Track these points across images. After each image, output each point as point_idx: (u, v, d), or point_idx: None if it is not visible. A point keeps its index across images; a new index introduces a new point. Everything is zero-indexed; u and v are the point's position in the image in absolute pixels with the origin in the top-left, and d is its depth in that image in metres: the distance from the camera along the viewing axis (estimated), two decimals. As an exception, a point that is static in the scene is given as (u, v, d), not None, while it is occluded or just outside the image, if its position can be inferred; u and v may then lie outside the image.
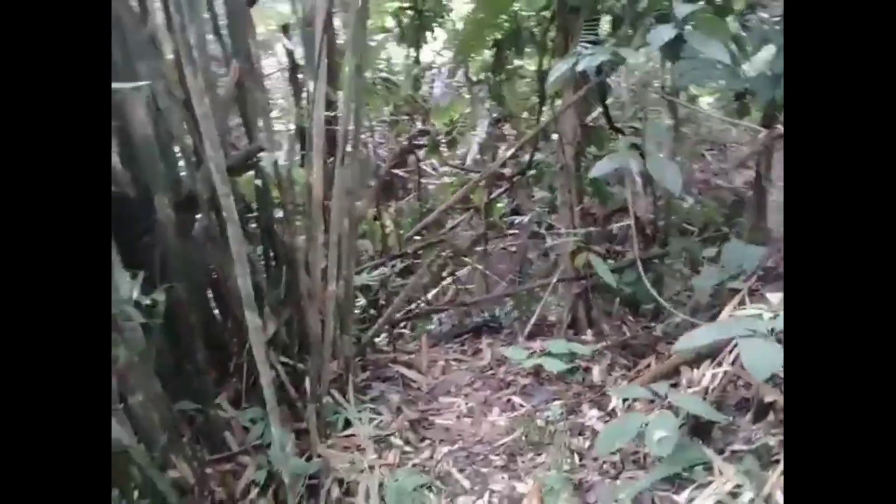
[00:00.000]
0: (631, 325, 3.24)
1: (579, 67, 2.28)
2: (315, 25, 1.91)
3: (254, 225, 2.18)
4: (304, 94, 1.99)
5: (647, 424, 1.59)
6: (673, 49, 2.26)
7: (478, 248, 4.00)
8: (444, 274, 4.09)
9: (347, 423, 2.26)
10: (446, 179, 3.93)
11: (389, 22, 3.89)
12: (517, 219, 4.30)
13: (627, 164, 2.25)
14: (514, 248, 4.33)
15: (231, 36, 1.95)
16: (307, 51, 1.93)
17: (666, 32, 2.11)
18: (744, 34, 2.65)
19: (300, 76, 2.38)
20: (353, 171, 2.20)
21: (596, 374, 2.62)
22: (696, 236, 3.50)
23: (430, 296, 4.04)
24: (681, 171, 2.17)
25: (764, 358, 1.34)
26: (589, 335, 2.98)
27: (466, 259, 3.82)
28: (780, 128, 2.37)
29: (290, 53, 2.63)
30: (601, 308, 3.15)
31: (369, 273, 2.89)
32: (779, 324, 1.47)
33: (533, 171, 3.55)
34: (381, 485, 1.95)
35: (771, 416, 1.72)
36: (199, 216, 1.90)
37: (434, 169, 4.20)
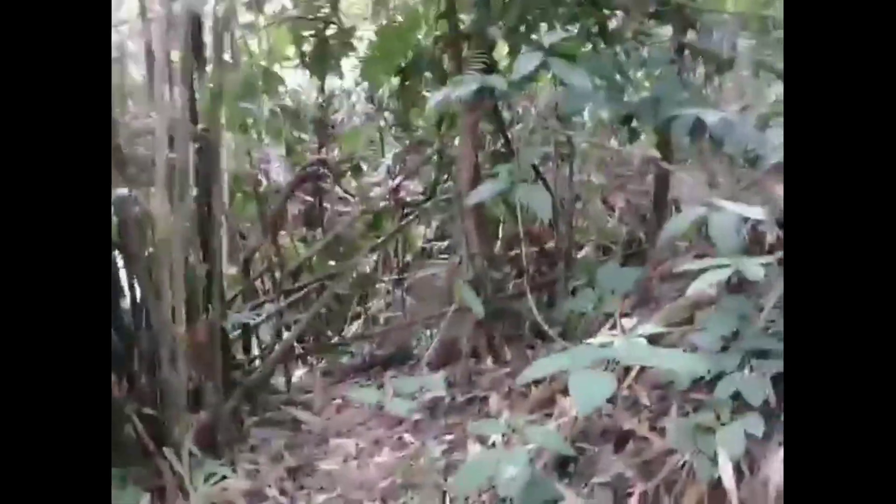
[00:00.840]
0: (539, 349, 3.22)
1: (452, 96, 2.26)
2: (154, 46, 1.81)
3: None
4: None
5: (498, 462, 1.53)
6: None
7: (397, 277, 3.94)
8: (362, 306, 4.02)
9: (224, 477, 2.13)
10: (350, 209, 3.85)
11: (292, 50, 3.83)
12: (439, 244, 4.26)
13: (503, 190, 2.24)
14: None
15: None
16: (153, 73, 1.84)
17: (531, 60, 2.12)
18: (626, 59, 2.70)
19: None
20: (217, 206, 2.11)
21: (493, 403, 2.56)
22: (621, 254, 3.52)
23: (351, 329, 3.95)
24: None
25: (590, 391, 1.30)
26: (488, 363, 2.93)
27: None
28: (651, 152, 2.40)
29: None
30: (504, 334, 3.11)
31: (254, 310, 2.78)
32: (615, 353, 1.44)
33: (435, 198, 3.52)
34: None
35: (631, 445, 1.69)
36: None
37: (342, 198, 4.13)
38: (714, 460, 1.45)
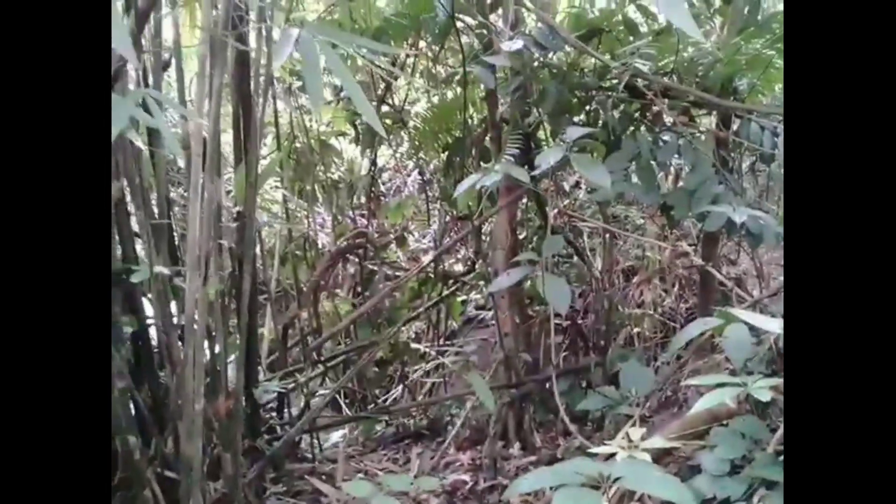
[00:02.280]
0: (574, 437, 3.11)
1: (477, 185, 2.31)
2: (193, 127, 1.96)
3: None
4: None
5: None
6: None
7: (438, 347, 3.96)
8: (403, 372, 4.04)
9: (236, 548, 2.16)
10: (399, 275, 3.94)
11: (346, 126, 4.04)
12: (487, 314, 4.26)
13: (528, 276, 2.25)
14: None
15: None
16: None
17: (553, 155, 2.15)
18: (657, 147, 2.67)
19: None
20: (250, 276, 2.22)
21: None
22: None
23: (391, 396, 3.98)
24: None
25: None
26: (516, 448, 2.86)
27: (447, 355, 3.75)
28: (681, 246, 2.34)
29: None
30: (536, 419, 3.04)
31: (289, 377, 2.85)
32: (610, 470, 1.39)
33: (476, 272, 3.55)
34: None
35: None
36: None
37: (392, 265, 4.23)
38: None
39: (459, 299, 4.21)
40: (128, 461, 2.01)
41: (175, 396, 2.07)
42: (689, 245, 2.80)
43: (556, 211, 3.00)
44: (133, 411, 2.13)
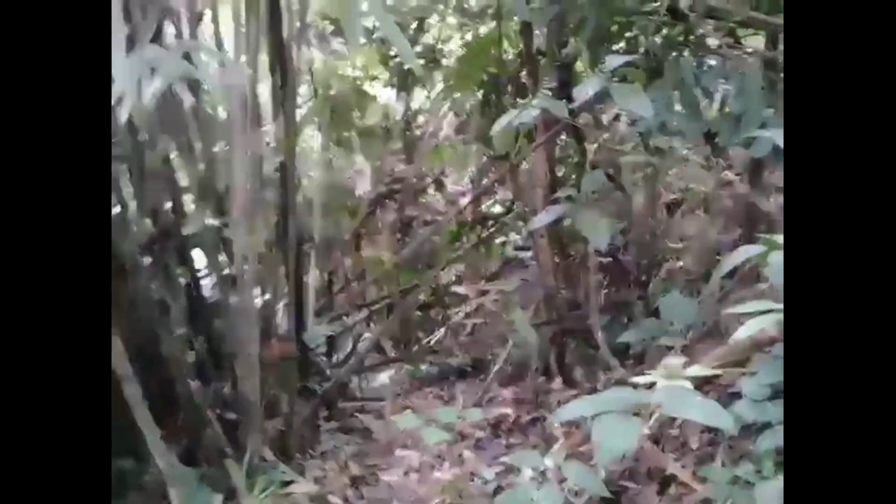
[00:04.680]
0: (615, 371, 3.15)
1: (514, 123, 2.28)
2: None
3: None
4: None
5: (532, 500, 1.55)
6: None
7: (480, 288, 4.01)
8: (445, 314, 4.12)
9: (292, 482, 2.31)
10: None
11: (380, 70, 4.00)
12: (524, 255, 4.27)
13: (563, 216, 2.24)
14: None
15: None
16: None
17: (592, 86, 2.09)
18: (702, 72, 2.56)
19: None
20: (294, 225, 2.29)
21: (554, 428, 2.56)
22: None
23: (434, 338, 4.07)
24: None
25: (612, 440, 1.29)
26: (558, 382, 2.92)
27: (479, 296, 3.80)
28: (727, 175, 2.27)
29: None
30: (578, 353, 3.08)
31: (337, 321, 2.96)
32: (651, 398, 1.42)
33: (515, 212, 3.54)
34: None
35: (673, 489, 1.64)
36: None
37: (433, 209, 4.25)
38: (753, 516, 1.39)
39: (499, 241, 4.23)
40: (189, 404, 2.15)
41: (230, 342, 2.19)
42: (735, 175, 2.71)
43: (595, 145, 2.94)
44: (192, 358, 2.26)
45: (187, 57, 1.56)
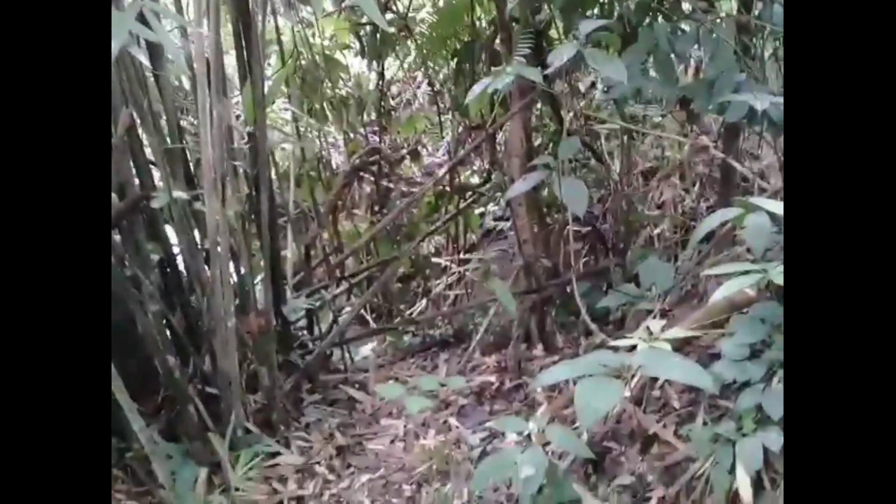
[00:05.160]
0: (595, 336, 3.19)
1: (489, 90, 2.25)
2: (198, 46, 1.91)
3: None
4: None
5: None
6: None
7: (459, 258, 4.00)
8: (426, 285, 4.11)
9: (278, 454, 2.31)
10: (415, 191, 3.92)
11: (350, 38, 3.91)
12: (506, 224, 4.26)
13: (539, 182, 2.23)
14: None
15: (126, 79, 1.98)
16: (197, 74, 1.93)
17: (566, 51, 2.06)
18: (676, 37, 2.55)
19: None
20: (268, 198, 2.24)
21: (536, 393, 2.59)
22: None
23: (416, 310, 4.07)
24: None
25: (594, 402, 1.30)
26: (539, 349, 2.95)
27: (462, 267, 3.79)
28: (702, 140, 2.27)
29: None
30: (558, 320, 3.10)
31: (315, 294, 2.93)
32: (632, 360, 1.43)
33: (491, 181, 3.52)
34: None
35: (655, 448, 1.67)
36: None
37: (407, 180, 4.21)
38: (733, 471, 1.42)
39: (477, 211, 4.21)
40: (169, 380, 2.12)
41: (207, 317, 2.15)
42: (710, 141, 2.72)
43: (571, 114, 2.92)
44: (168, 334, 2.22)
45: (143, 21, 1.49)
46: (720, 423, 1.52)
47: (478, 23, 3.56)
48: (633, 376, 1.76)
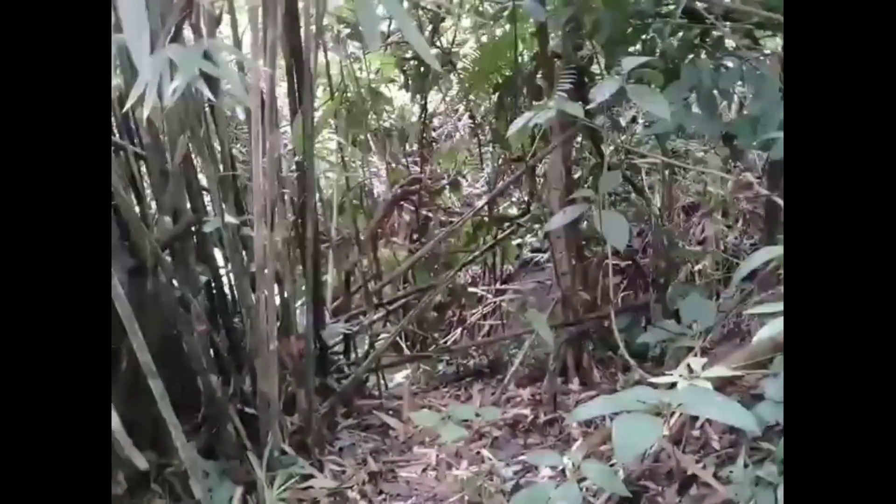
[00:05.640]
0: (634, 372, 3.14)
1: (530, 123, 2.28)
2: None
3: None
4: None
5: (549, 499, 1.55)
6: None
7: (496, 288, 4.01)
8: (462, 315, 4.13)
9: (311, 476, 2.32)
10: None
11: (395, 72, 4.02)
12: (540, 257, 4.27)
13: (581, 216, 2.24)
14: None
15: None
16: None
17: (608, 87, 2.08)
18: (719, 74, 2.55)
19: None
20: (312, 224, 2.31)
21: (574, 426, 2.55)
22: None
23: (450, 338, 4.08)
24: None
25: (632, 439, 1.29)
26: (575, 384, 2.92)
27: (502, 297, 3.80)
28: (746, 176, 2.26)
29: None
30: (595, 355, 3.07)
31: (354, 320, 2.98)
32: (671, 397, 1.41)
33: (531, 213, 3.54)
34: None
35: (694, 490, 1.63)
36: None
37: (447, 210, 4.26)
38: (776, 517, 1.38)
39: (515, 242, 4.22)
40: (210, 399, 2.18)
41: (250, 338, 2.21)
42: (755, 177, 2.69)
43: (612, 147, 2.93)
44: (212, 353, 2.29)
45: (207, 56, 1.58)
46: (762, 466, 1.48)
47: (520, 58, 3.63)
48: (672, 414, 1.73)
